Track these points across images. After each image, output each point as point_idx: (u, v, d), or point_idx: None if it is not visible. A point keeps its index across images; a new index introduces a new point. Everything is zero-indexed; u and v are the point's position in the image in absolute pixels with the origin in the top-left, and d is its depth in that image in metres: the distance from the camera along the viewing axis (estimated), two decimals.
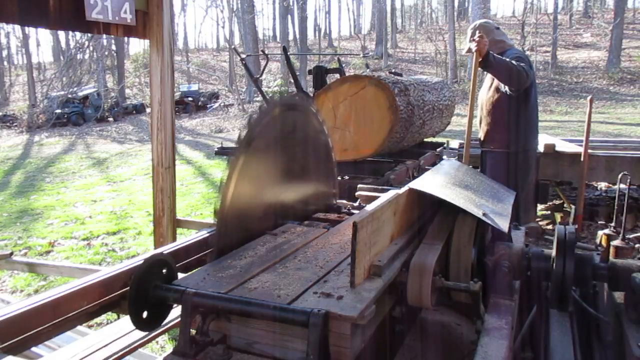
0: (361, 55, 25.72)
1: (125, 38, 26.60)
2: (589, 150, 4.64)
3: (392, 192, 1.90)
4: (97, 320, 3.36)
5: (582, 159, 4.55)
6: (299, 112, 2.11)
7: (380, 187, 3.03)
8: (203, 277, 1.50)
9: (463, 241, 1.63)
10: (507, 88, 3.69)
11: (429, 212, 1.91)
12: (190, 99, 26.14)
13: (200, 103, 26.52)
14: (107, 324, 3.24)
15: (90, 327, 3.24)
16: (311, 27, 47.93)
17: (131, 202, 7.87)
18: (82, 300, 1.81)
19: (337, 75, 5.41)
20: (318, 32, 48.82)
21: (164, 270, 1.47)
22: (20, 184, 10.50)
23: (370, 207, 1.93)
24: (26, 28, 27.55)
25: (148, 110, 23.09)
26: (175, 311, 1.61)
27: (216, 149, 5.65)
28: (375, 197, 2.57)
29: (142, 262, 1.43)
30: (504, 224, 1.63)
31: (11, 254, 3.43)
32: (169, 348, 2.68)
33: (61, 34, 40.30)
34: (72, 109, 23.57)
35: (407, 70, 27.94)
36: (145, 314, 1.42)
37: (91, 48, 24.84)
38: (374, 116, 4.21)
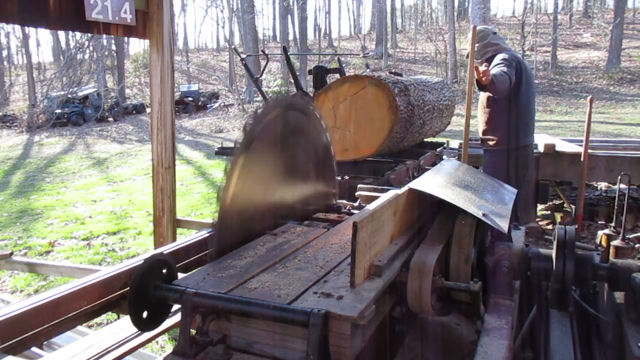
0: (361, 55, 25.70)
1: (125, 38, 26.60)
2: (589, 150, 4.64)
3: (392, 192, 1.90)
4: (97, 320, 3.36)
5: (582, 159, 4.55)
6: (299, 112, 2.11)
7: (380, 187, 3.03)
8: (203, 277, 1.50)
9: (463, 241, 1.63)
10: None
11: (429, 212, 1.91)
12: (190, 99, 26.13)
13: (200, 103, 26.52)
14: (107, 324, 3.24)
15: (90, 327, 3.24)
16: (311, 27, 47.96)
17: (131, 202, 7.87)
18: (82, 300, 1.81)
19: (337, 75, 5.40)
20: (318, 32, 48.82)
21: (164, 270, 1.47)
22: (20, 184, 10.50)
23: (370, 207, 1.93)
24: (26, 28, 27.55)
25: (148, 110, 23.09)
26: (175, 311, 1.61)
27: (216, 149, 5.65)
28: (375, 197, 2.57)
29: (142, 262, 1.43)
30: (504, 224, 1.62)
31: (11, 254, 3.43)
32: (169, 348, 2.69)
33: (61, 34, 40.34)
34: (72, 109, 23.55)
35: (407, 70, 27.94)
36: (145, 314, 1.42)
37: (91, 48, 24.84)
38: (374, 116, 4.21)
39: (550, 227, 5.38)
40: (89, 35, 21.14)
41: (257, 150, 1.80)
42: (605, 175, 5.06)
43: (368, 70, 11.09)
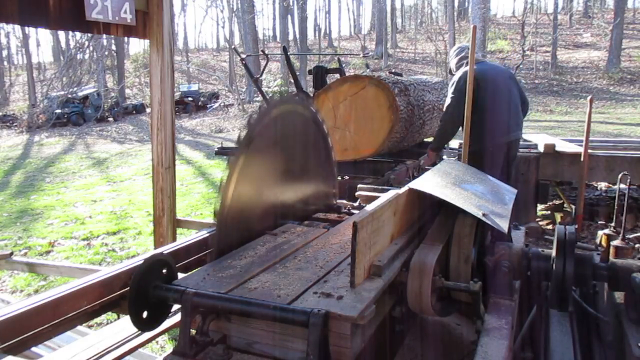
0: (361, 55, 25.69)
1: (125, 38, 26.60)
2: (589, 150, 4.63)
3: (392, 192, 1.90)
4: (97, 320, 3.36)
5: (582, 159, 4.55)
6: (299, 112, 2.11)
7: (380, 187, 3.03)
8: (203, 277, 1.50)
9: (463, 241, 1.63)
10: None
11: (429, 212, 1.91)
12: (190, 99, 26.12)
13: (200, 103, 26.51)
14: (107, 324, 3.24)
15: (90, 327, 3.24)
16: (311, 27, 47.94)
17: (131, 202, 7.87)
18: (82, 300, 1.81)
19: (337, 75, 5.40)
20: (318, 32, 48.80)
21: (164, 270, 1.47)
22: (20, 184, 10.50)
23: (370, 207, 1.93)
24: (26, 28, 27.55)
25: (148, 110, 23.08)
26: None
27: (216, 149, 5.65)
28: (375, 197, 2.57)
29: (142, 262, 1.43)
30: (504, 224, 1.62)
31: (11, 254, 3.43)
32: (169, 348, 2.68)
33: (61, 34, 40.30)
34: (72, 109, 23.55)
35: (407, 70, 27.94)
36: (145, 314, 1.42)
37: (91, 48, 24.82)
38: (374, 116, 4.21)
39: (550, 227, 5.38)
40: (89, 35, 21.13)
41: (257, 150, 1.80)
42: (605, 175, 5.06)
43: (368, 70, 11.09)
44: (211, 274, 1.52)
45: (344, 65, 6.40)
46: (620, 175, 2.59)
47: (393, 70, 6.30)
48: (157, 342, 3.22)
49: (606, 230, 2.65)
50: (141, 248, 5.52)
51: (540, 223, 5.47)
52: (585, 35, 32.52)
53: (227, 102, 26.35)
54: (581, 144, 4.71)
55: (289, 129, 2.02)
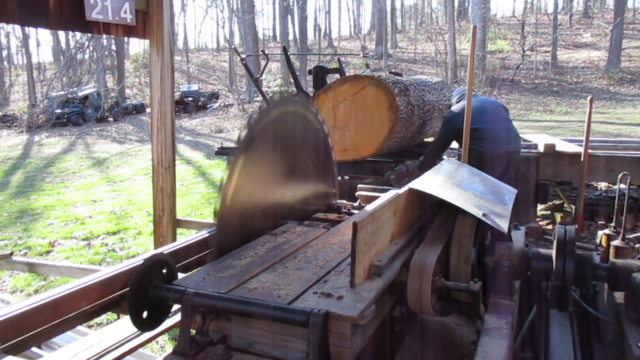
0: (361, 55, 25.69)
1: (125, 38, 26.60)
2: (589, 150, 4.64)
3: (392, 192, 1.90)
4: (97, 320, 3.36)
5: (582, 159, 4.55)
6: (299, 112, 2.11)
7: (380, 187, 3.03)
8: (203, 277, 1.50)
9: (463, 241, 1.63)
10: None
11: (429, 212, 1.91)
12: (190, 99, 26.11)
13: (200, 103, 26.50)
14: (107, 324, 3.24)
15: (90, 327, 3.24)
16: (311, 27, 47.92)
17: (131, 202, 7.87)
18: (82, 300, 1.81)
19: (337, 75, 5.40)
20: (318, 32, 48.79)
21: (164, 270, 1.47)
22: (20, 184, 10.50)
23: (370, 207, 1.93)
24: (26, 28, 27.55)
25: (148, 110, 23.08)
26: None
27: (216, 149, 5.66)
28: (375, 197, 2.57)
29: (142, 262, 1.43)
30: (504, 224, 1.62)
31: (11, 254, 3.43)
32: (169, 348, 2.68)
33: (61, 34, 40.29)
34: (72, 109, 23.54)
35: (407, 70, 27.93)
36: (145, 314, 1.42)
37: (91, 48, 24.81)
38: (374, 116, 4.21)
39: (550, 227, 5.38)
40: (89, 35, 21.13)
41: (258, 150, 1.80)
42: (605, 175, 5.06)
43: (368, 70, 11.09)
44: (211, 274, 1.52)
45: (344, 65, 6.39)
46: (620, 175, 2.59)
47: (393, 70, 6.30)
48: (157, 342, 3.22)
49: (606, 230, 2.65)
50: (141, 248, 5.52)
51: (540, 223, 5.47)
52: (585, 35, 32.52)
53: (227, 102, 26.35)
54: (581, 144, 4.71)
55: (289, 129, 2.02)
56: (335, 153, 2.47)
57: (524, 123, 16.49)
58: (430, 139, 5.93)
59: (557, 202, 6.00)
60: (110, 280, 1.92)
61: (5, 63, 41.73)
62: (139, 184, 9.59)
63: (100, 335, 1.79)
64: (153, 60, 3.92)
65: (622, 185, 2.58)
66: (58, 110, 23.02)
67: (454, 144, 4.63)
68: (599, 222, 5.29)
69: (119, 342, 1.73)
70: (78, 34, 24.74)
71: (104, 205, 7.81)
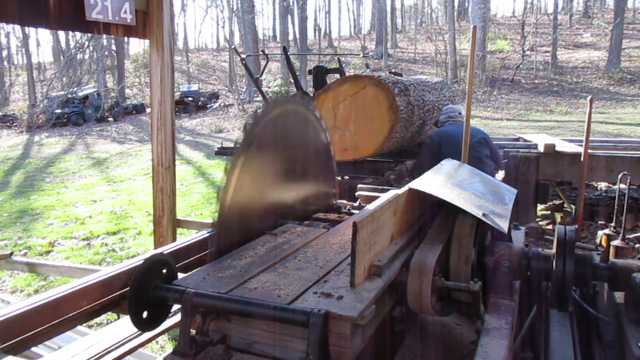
0: (361, 55, 25.70)
1: (125, 38, 26.59)
2: (589, 150, 4.63)
3: (392, 192, 1.90)
4: (97, 320, 3.36)
5: (582, 159, 4.54)
6: (299, 112, 2.11)
7: (380, 187, 3.03)
8: (203, 277, 1.50)
9: (463, 241, 1.63)
10: None
11: (429, 212, 1.91)
12: (190, 99, 26.11)
13: (200, 103, 26.49)
14: (107, 324, 3.24)
15: (90, 327, 3.24)
16: (311, 27, 47.91)
17: (131, 202, 7.87)
18: (82, 300, 1.81)
19: (337, 75, 5.40)
20: (318, 32, 48.78)
21: (164, 270, 1.47)
22: (20, 184, 10.50)
23: (370, 207, 1.93)
24: (26, 28, 27.55)
25: (148, 110, 23.07)
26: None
27: (216, 149, 5.66)
28: (375, 197, 2.57)
29: (142, 262, 1.43)
30: (504, 224, 1.62)
31: (11, 254, 3.43)
32: (169, 348, 2.68)
33: (61, 34, 40.30)
34: (72, 109, 23.53)
35: (407, 70, 27.92)
36: (145, 314, 1.42)
37: (91, 48, 24.81)
38: (374, 116, 4.21)
39: (550, 227, 5.38)
40: (89, 35, 21.13)
41: (257, 150, 1.80)
42: (605, 175, 5.05)
43: (368, 70, 11.09)
44: (211, 274, 1.52)
45: (344, 65, 6.39)
46: (620, 175, 2.59)
47: (393, 70, 6.30)
48: (157, 342, 3.22)
49: (606, 230, 2.65)
50: (141, 248, 5.52)
51: (540, 223, 5.47)
52: (585, 35, 32.52)
53: (227, 102, 26.35)
54: (581, 144, 4.70)
55: (288, 129, 2.02)
56: (335, 153, 2.47)
57: (524, 123, 16.49)
58: None
59: (557, 202, 6.00)
60: (110, 280, 1.92)
61: (5, 63, 41.72)
62: (139, 184, 9.59)
63: (100, 335, 1.79)
64: (153, 60, 3.92)
65: (622, 185, 2.58)
66: (58, 110, 23.01)
67: None
68: (599, 222, 5.29)
69: (119, 342, 1.73)
70: (78, 34, 24.76)
71: (104, 205, 7.81)
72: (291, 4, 32.45)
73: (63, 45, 40.58)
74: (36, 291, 4.37)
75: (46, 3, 3.14)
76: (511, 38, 32.20)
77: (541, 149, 5.15)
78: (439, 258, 1.56)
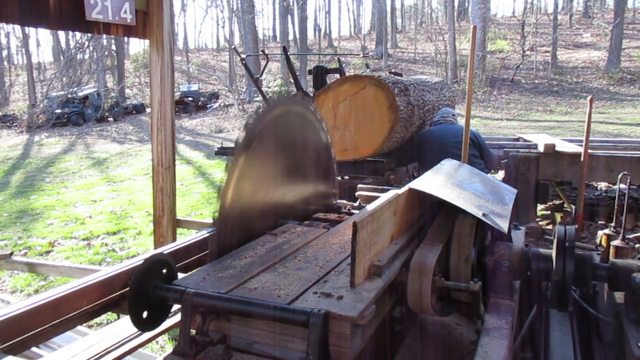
0: (361, 55, 25.70)
1: (125, 38, 26.59)
2: (589, 150, 4.63)
3: (392, 192, 1.90)
4: (97, 320, 3.36)
5: (582, 159, 4.54)
6: (299, 112, 2.11)
7: (380, 187, 3.03)
8: (203, 277, 1.50)
9: (463, 241, 1.63)
10: None
11: (429, 212, 1.91)
12: (190, 99, 26.11)
13: (200, 103, 26.50)
14: (107, 324, 3.24)
15: (90, 327, 3.24)
16: (311, 27, 47.92)
17: (131, 202, 7.87)
18: (82, 300, 1.81)
19: (337, 75, 5.40)
20: (318, 32, 48.79)
21: (164, 270, 1.47)
22: (20, 184, 10.50)
23: (370, 207, 1.93)
24: (26, 28, 27.54)
25: (148, 110, 23.07)
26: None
27: (216, 149, 5.66)
28: (375, 197, 2.57)
29: (142, 262, 1.43)
30: (504, 224, 1.62)
31: (11, 254, 3.43)
32: (169, 348, 2.68)
33: (61, 34, 40.31)
34: (72, 109, 23.54)
35: (407, 70, 27.93)
36: (145, 314, 1.42)
37: (91, 48, 24.82)
38: (374, 116, 4.21)
39: (550, 227, 5.38)
40: (89, 35, 21.13)
41: (257, 150, 1.80)
42: (605, 175, 5.05)
43: (368, 70, 11.09)
44: (211, 274, 1.52)
45: (344, 65, 6.39)
46: (620, 175, 2.59)
47: (393, 70, 6.30)
48: (157, 342, 3.22)
49: (606, 230, 2.64)
50: (141, 248, 5.52)
51: (540, 223, 5.47)
52: (585, 35, 32.52)
53: (227, 102, 26.35)
54: (581, 144, 4.70)
55: (288, 129, 2.02)
56: (335, 153, 2.47)
57: (524, 123, 16.50)
58: None
59: (557, 202, 6.00)
60: (110, 280, 1.92)
61: (5, 63, 41.71)
62: (139, 184, 9.59)
63: (100, 335, 1.79)
64: (153, 60, 3.92)
65: (622, 185, 2.58)
66: (58, 110, 23.02)
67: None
68: (599, 222, 5.29)
69: (119, 342, 1.73)
70: (78, 34, 24.76)
71: (104, 205, 7.81)
72: (291, 4, 32.45)
73: (63, 45, 40.62)
74: (36, 291, 4.37)
75: (46, 3, 3.14)
76: (511, 38, 32.20)
77: (541, 149, 5.14)
78: (439, 258, 1.56)
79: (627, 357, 1.55)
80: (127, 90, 31.07)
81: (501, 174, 5.42)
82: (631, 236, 3.79)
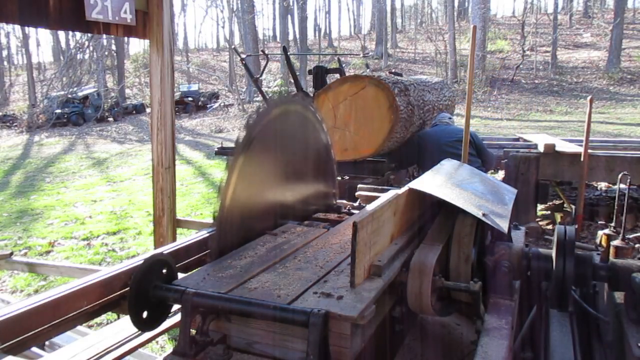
0: (361, 55, 25.71)
1: (125, 38, 26.59)
2: (589, 150, 4.63)
3: (392, 192, 1.90)
4: (97, 320, 3.36)
5: (582, 159, 4.54)
6: (299, 112, 2.11)
7: (380, 187, 3.03)
8: (203, 277, 1.50)
9: (463, 241, 1.63)
10: None
11: (429, 212, 1.91)
12: (190, 99, 26.11)
13: (200, 103, 26.49)
14: (107, 324, 3.24)
15: (90, 327, 3.24)
16: (311, 27, 47.91)
17: (131, 202, 7.87)
18: (82, 300, 1.81)
19: (337, 75, 5.40)
20: (318, 32, 48.78)
21: (164, 270, 1.47)
22: (20, 184, 10.50)
23: (370, 207, 1.93)
24: (26, 28, 27.54)
25: (148, 110, 23.07)
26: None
27: (216, 149, 5.66)
28: (375, 197, 2.57)
29: (142, 262, 1.43)
30: (504, 224, 1.62)
31: (11, 254, 3.43)
32: (169, 348, 2.68)
33: (61, 34, 40.31)
34: (72, 109, 23.53)
35: (407, 70, 27.92)
36: (145, 314, 1.42)
37: (91, 48, 24.82)
38: (374, 116, 4.21)
39: (550, 227, 5.38)
40: (89, 35, 21.13)
41: (257, 150, 1.80)
42: (605, 175, 5.05)
43: (368, 70, 11.09)
44: (211, 274, 1.52)
45: (344, 65, 6.39)
46: (620, 175, 2.59)
47: (393, 70, 6.30)
48: (157, 342, 3.22)
49: (606, 230, 2.64)
50: (141, 248, 5.52)
51: (540, 223, 5.47)
52: (585, 35, 32.51)
53: (227, 102, 26.35)
54: (581, 144, 4.70)
55: (288, 129, 2.02)
56: (335, 153, 2.47)
57: (524, 123, 16.49)
58: None
59: (557, 202, 6.00)
60: (110, 280, 1.92)
61: (5, 63, 41.69)
62: (139, 184, 9.59)
63: (100, 335, 1.79)
64: (153, 60, 3.92)
65: (622, 185, 2.58)
66: (58, 110, 23.01)
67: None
68: (599, 222, 5.29)
69: (119, 342, 1.73)
70: (78, 34, 24.76)
71: (104, 205, 7.81)
72: (291, 4, 32.45)
73: (63, 45, 40.61)
74: (36, 291, 4.37)
75: (46, 3, 3.14)
76: (511, 38, 32.19)
77: (541, 149, 5.14)
78: (439, 258, 1.56)
79: (627, 357, 1.55)
80: (127, 90, 31.07)
81: (501, 174, 5.42)
82: (631, 236, 3.79)
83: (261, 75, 6.84)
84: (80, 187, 9.60)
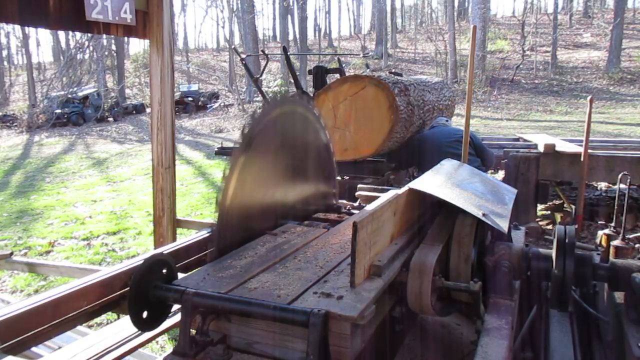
0: (361, 55, 25.70)
1: (125, 38, 26.59)
2: (589, 150, 4.63)
3: (392, 192, 1.90)
4: (97, 320, 3.36)
5: (582, 159, 4.54)
6: (299, 112, 2.11)
7: (380, 187, 3.03)
8: (203, 277, 1.50)
9: (463, 241, 1.63)
10: None
11: (429, 212, 1.91)
12: (190, 99, 26.09)
13: (200, 103, 26.48)
14: (107, 324, 3.24)
15: (90, 327, 3.24)
16: (311, 27, 47.91)
17: (131, 202, 7.87)
18: (82, 300, 1.81)
19: (337, 75, 5.40)
20: (318, 32, 48.78)
21: (164, 270, 1.47)
22: (20, 184, 10.50)
23: (370, 207, 1.93)
24: (26, 28, 27.54)
25: (148, 110, 23.06)
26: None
27: (216, 149, 5.66)
28: (375, 197, 2.57)
29: (142, 262, 1.43)
30: (504, 224, 1.62)
31: (11, 254, 3.43)
32: (169, 348, 2.68)
33: (61, 34, 40.31)
34: (72, 109, 23.52)
35: (407, 70, 27.92)
36: (145, 314, 1.42)
37: (91, 48, 24.81)
38: (374, 116, 4.21)
39: (550, 227, 5.37)
40: (89, 35, 21.13)
41: (257, 150, 1.80)
42: (605, 175, 5.05)
43: (368, 70, 11.09)
44: (211, 274, 1.52)
45: (344, 65, 6.39)
46: (620, 175, 2.59)
47: (393, 70, 6.30)
48: (157, 342, 3.22)
49: (606, 230, 2.64)
50: (141, 248, 5.52)
51: (540, 223, 5.47)
52: (585, 35, 32.51)
53: (227, 102, 26.33)
54: (581, 144, 4.70)
55: (288, 129, 2.02)
56: (335, 153, 2.47)
57: (524, 123, 16.49)
58: None
59: (557, 202, 6.00)
60: (110, 280, 1.92)
61: (5, 63, 41.69)
62: (139, 184, 9.58)
63: (100, 335, 1.79)
64: (153, 60, 3.92)
65: (622, 185, 2.58)
66: (58, 110, 23.01)
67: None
68: (599, 222, 5.29)
69: (119, 342, 1.73)
70: (78, 34, 24.76)
71: (104, 205, 7.81)
72: (291, 4, 32.44)
73: (63, 45, 40.61)
74: (36, 291, 4.37)
75: (46, 3, 3.14)
76: (511, 38, 32.18)
77: (541, 149, 5.15)
78: (439, 258, 1.56)
79: (627, 357, 1.55)
80: (127, 90, 31.06)
81: (501, 174, 5.42)
82: (631, 236, 3.79)
83: (261, 75, 6.84)
84: (80, 187, 9.60)
